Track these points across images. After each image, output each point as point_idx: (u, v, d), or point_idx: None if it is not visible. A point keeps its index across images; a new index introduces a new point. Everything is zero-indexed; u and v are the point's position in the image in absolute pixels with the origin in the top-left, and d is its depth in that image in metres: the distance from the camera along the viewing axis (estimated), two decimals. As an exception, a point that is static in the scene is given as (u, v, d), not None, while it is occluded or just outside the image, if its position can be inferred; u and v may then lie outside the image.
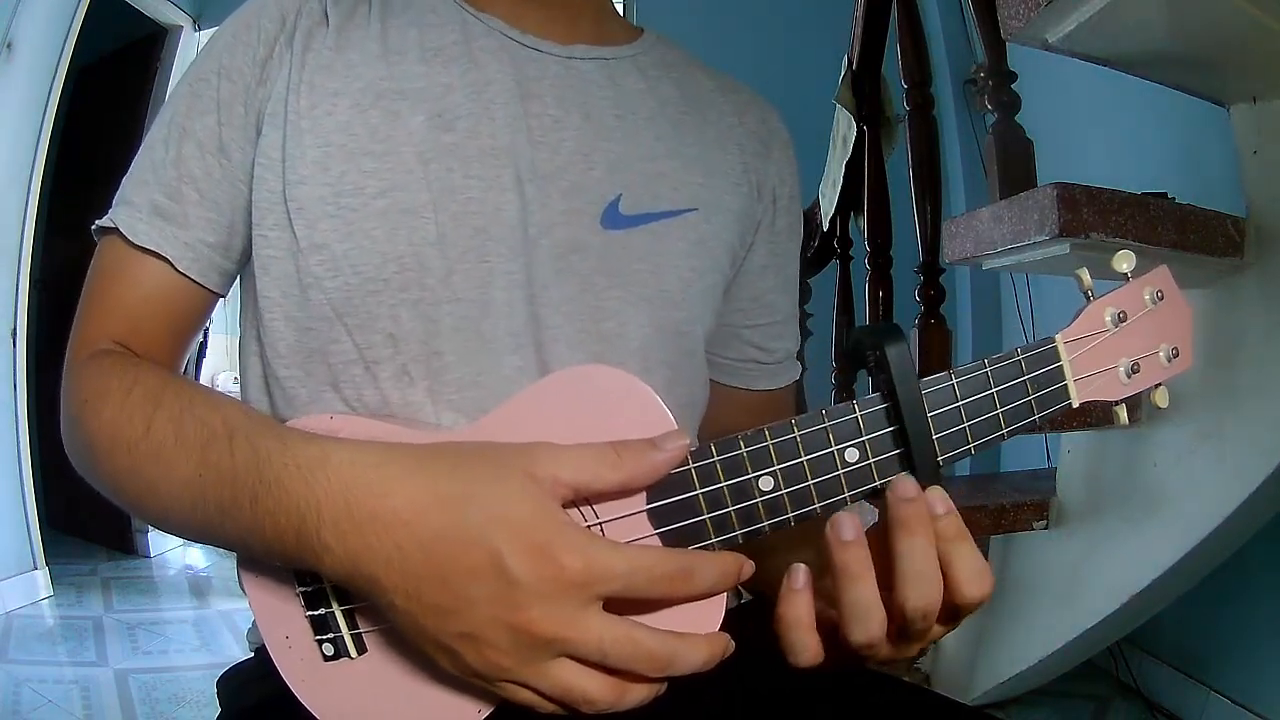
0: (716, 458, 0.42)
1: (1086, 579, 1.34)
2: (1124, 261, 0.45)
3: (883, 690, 0.57)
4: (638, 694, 0.41)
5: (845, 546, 0.40)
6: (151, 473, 0.46)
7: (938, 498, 0.40)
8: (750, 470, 0.42)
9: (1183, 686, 1.71)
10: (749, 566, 0.42)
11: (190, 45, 3.21)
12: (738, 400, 0.69)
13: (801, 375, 0.74)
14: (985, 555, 1.55)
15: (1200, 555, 1.17)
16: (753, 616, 0.68)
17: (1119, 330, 0.45)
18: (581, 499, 0.42)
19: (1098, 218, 0.99)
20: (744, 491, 0.42)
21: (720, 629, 0.43)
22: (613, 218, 0.56)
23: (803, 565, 0.42)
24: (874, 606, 0.40)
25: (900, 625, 0.41)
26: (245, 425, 0.44)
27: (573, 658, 0.39)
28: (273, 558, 0.44)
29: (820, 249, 1.99)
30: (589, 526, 0.43)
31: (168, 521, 0.48)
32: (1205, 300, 1.13)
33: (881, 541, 0.41)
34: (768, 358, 0.69)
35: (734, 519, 0.42)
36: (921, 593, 0.40)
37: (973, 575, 0.41)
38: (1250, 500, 1.08)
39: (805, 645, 0.42)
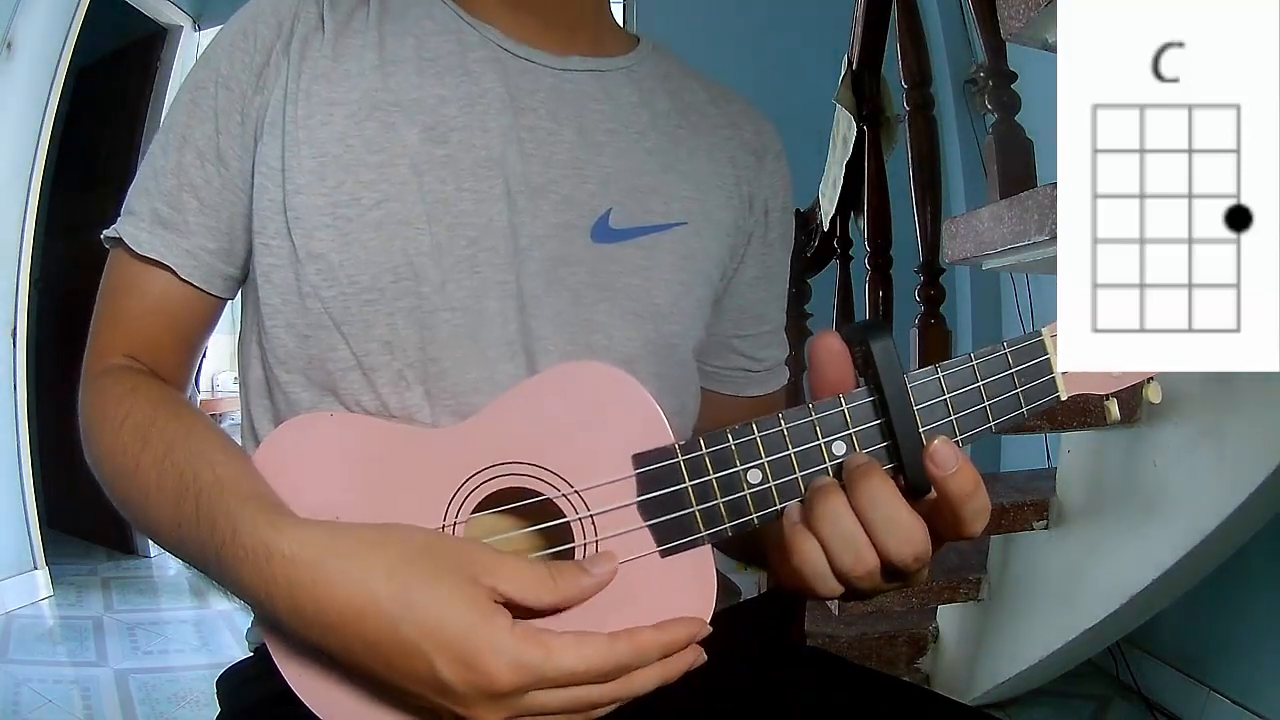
0: (705, 451, 0.43)
1: (1086, 579, 1.34)
2: None
3: (883, 690, 0.57)
4: (603, 710, 0.43)
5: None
6: (142, 506, 0.48)
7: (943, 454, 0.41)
8: (738, 463, 0.43)
9: (1183, 686, 1.71)
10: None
11: (190, 45, 3.19)
12: (728, 406, 0.69)
13: (802, 377, 0.74)
14: (985, 555, 1.56)
15: (1200, 555, 1.17)
16: (752, 615, 0.68)
17: None
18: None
19: (1097, 217, 0.98)
20: (732, 484, 0.43)
21: (720, 627, 0.43)
22: (603, 231, 0.56)
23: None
24: (833, 577, 0.42)
25: (893, 571, 0.42)
26: (209, 490, 0.45)
27: None
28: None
29: (820, 249, 1.98)
30: (579, 520, 0.44)
31: (163, 548, 0.50)
32: (1205, 300, 1.13)
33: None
34: (757, 366, 0.69)
35: (723, 512, 0.43)
36: (901, 539, 0.41)
37: (975, 517, 0.42)
38: (1250, 500, 1.08)
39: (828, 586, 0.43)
